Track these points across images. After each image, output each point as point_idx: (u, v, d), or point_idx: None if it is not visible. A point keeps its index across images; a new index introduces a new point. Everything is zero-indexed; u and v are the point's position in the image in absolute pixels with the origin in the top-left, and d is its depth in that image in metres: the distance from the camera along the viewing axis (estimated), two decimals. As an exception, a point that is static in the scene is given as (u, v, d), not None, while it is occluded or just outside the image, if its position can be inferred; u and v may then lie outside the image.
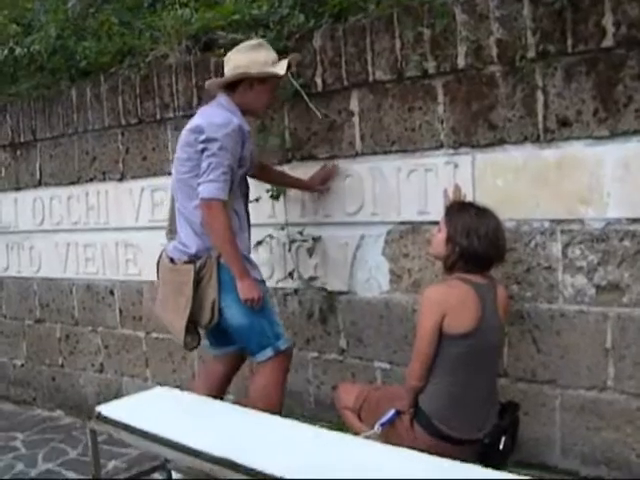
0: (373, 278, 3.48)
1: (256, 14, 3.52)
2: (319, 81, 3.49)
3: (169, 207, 3.32)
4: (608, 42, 2.74)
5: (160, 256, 3.27)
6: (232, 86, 3.10)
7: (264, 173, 3.46)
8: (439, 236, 2.80)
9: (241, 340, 3.14)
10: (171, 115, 4.09)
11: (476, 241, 2.70)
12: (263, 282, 3.18)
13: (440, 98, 3.18)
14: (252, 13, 3.54)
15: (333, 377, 3.66)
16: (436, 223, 2.95)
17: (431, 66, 3.15)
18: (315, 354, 3.73)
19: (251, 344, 3.10)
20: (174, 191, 3.19)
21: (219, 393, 3.30)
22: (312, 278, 3.62)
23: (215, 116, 3.00)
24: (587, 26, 2.77)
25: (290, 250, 3.62)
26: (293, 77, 3.43)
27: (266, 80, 3.08)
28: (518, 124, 2.99)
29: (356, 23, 3.34)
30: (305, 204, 3.62)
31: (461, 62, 3.07)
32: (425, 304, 2.69)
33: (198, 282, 3.02)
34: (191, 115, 3.26)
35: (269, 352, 3.06)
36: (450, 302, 2.65)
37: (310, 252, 3.54)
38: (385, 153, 3.37)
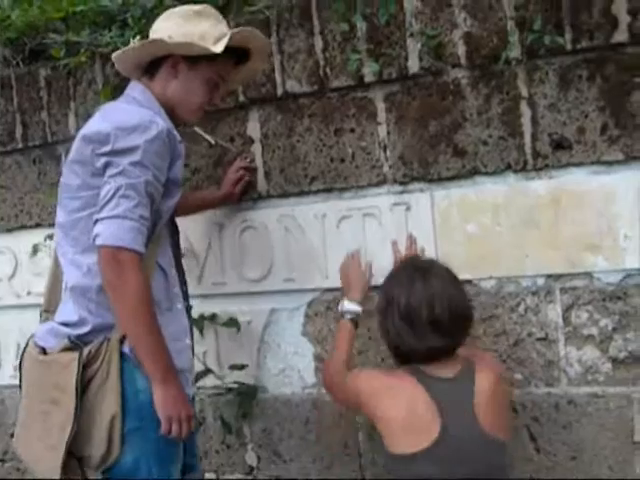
0: (290, 368, 2.59)
1: (107, 6, 2.53)
2: (202, 97, 2.55)
3: (50, 273, 2.19)
4: (620, 36, 2.09)
5: (25, 348, 2.10)
6: (151, 71, 2.10)
7: None
8: None
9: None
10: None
11: (396, 318, 1.99)
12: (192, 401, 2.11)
13: (382, 116, 2.38)
14: (101, 5, 2.56)
15: (237, 508, 2.72)
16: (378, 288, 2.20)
17: (368, 72, 2.34)
18: (211, 475, 2.75)
19: None
20: (58, 245, 2.08)
21: None
22: (203, 372, 2.61)
23: (126, 114, 1.97)
24: (591, 14, 2.10)
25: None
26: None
27: (198, 63, 2.07)
28: (496, 148, 2.25)
29: (256, 15, 2.46)
30: (189, 268, 2.60)
31: (413, 65, 2.31)
32: None
33: (86, 384, 1.89)
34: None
35: None
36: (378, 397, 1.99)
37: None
38: (301, 194, 2.52)
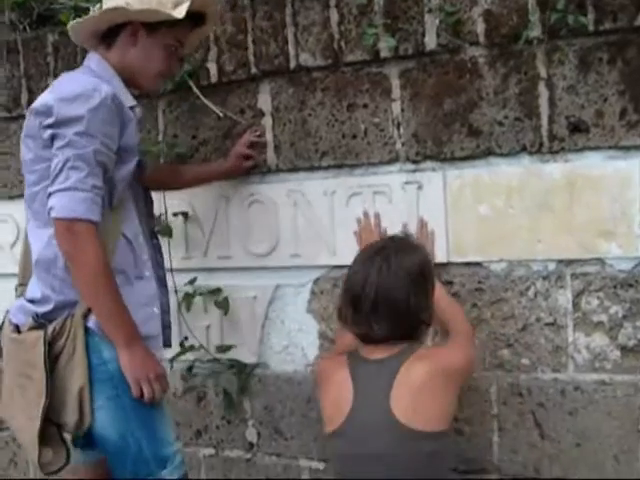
0: (294, 345, 2.55)
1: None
2: (213, 68, 2.51)
3: (22, 247, 2.19)
4: (645, 18, 2.02)
5: (2, 325, 2.13)
6: (108, 40, 2.05)
7: (162, 176, 2.44)
8: None
9: (110, 461, 2.07)
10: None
11: (345, 298, 2.01)
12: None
13: (396, 92, 2.31)
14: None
15: (237, 484, 2.69)
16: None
17: (384, 47, 2.27)
18: (210, 451, 2.71)
19: (122, 471, 2.02)
20: (26, 219, 2.09)
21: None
22: (204, 346, 2.58)
23: (70, 84, 1.94)
24: (616, -6, 2.03)
25: (180, 308, 2.56)
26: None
27: (157, 29, 2.02)
28: (512, 129, 2.19)
29: (270, -14, 2.39)
30: (194, 241, 2.58)
31: (430, 42, 2.23)
32: None
33: (55, 360, 1.92)
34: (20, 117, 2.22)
35: None
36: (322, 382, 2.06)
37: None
38: (311, 169, 2.45)
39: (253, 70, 2.46)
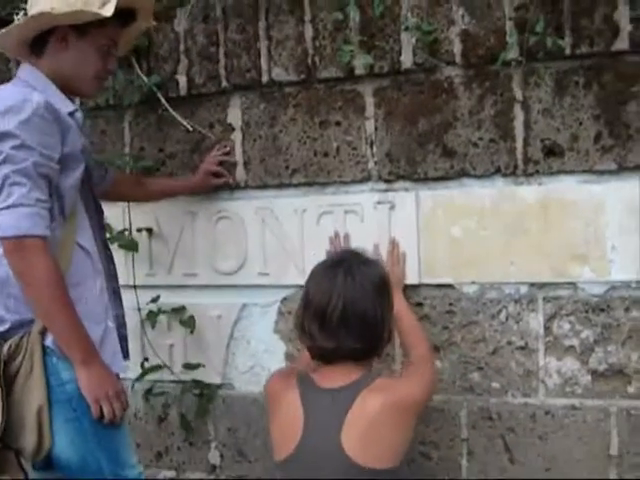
0: (260, 366, 2.49)
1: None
2: (182, 80, 2.46)
3: None
4: (621, 44, 2.03)
5: None
6: (37, 49, 1.96)
7: (127, 187, 2.36)
8: None
9: None
10: None
11: (308, 313, 1.89)
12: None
13: (370, 110, 2.28)
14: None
15: (198, 508, 2.61)
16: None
17: (359, 64, 2.24)
18: (171, 473, 2.63)
19: None
20: None
21: None
22: (166, 366, 2.50)
23: (0, 98, 1.84)
24: (593, 20, 2.04)
25: (143, 326, 2.48)
26: (142, 71, 2.33)
27: (87, 31, 1.93)
28: (486, 151, 2.18)
29: (244, -2, 2.34)
30: (159, 257, 2.50)
31: (406, 60, 2.21)
32: None
33: (11, 379, 1.84)
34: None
35: None
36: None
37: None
38: (281, 187, 2.41)
39: (224, 83, 2.41)
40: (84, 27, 1.92)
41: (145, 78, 2.37)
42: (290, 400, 1.86)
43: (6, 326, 1.87)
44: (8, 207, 1.76)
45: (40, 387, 1.84)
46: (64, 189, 1.89)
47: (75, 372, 1.85)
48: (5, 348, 1.84)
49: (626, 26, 2.01)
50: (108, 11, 1.88)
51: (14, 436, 1.86)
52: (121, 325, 2.10)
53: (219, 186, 2.44)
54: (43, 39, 1.93)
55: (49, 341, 1.85)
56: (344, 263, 1.90)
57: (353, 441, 1.76)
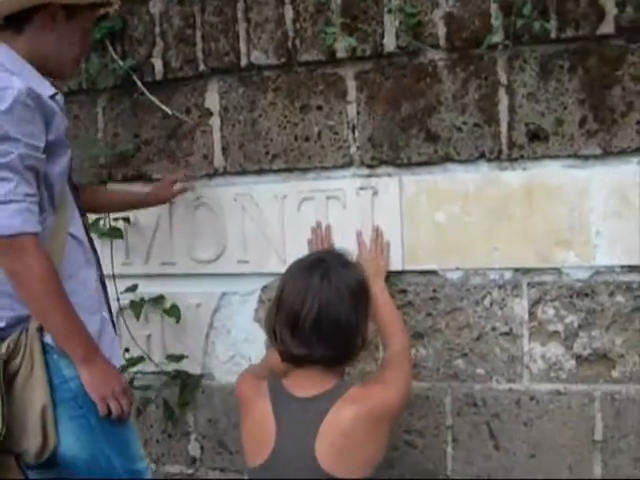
0: (240, 355, 2.45)
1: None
2: (158, 64, 2.39)
3: None
4: (607, 28, 2.01)
5: None
6: (17, 25, 1.80)
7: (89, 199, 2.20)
8: None
9: None
10: None
11: (280, 316, 1.80)
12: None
13: (352, 94, 2.23)
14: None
15: (177, 500, 2.56)
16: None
17: (341, 47, 2.19)
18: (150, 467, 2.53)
19: None
20: None
21: None
22: (145, 357, 2.44)
23: None
24: (579, 3, 2.02)
25: (121, 316, 2.41)
26: (116, 55, 2.26)
27: (78, 12, 1.83)
28: (470, 135, 2.15)
29: (221, -22, 2.27)
30: (135, 246, 2.44)
31: (389, 43, 2.16)
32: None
33: (12, 378, 1.76)
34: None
35: None
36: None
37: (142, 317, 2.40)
38: (261, 173, 2.36)
39: (201, 67, 2.35)
40: (75, 8, 1.81)
41: (120, 62, 2.29)
42: (261, 407, 1.79)
43: (3, 323, 1.78)
44: None
45: (42, 386, 1.76)
46: (53, 177, 1.79)
47: (77, 369, 1.77)
48: (4, 348, 1.75)
49: (612, 10, 1.99)
50: None
51: (15, 439, 1.78)
52: (110, 315, 2.03)
53: (198, 173, 2.39)
54: (26, 15, 1.78)
55: (48, 338, 1.77)
56: (322, 264, 1.82)
57: (326, 452, 1.71)
